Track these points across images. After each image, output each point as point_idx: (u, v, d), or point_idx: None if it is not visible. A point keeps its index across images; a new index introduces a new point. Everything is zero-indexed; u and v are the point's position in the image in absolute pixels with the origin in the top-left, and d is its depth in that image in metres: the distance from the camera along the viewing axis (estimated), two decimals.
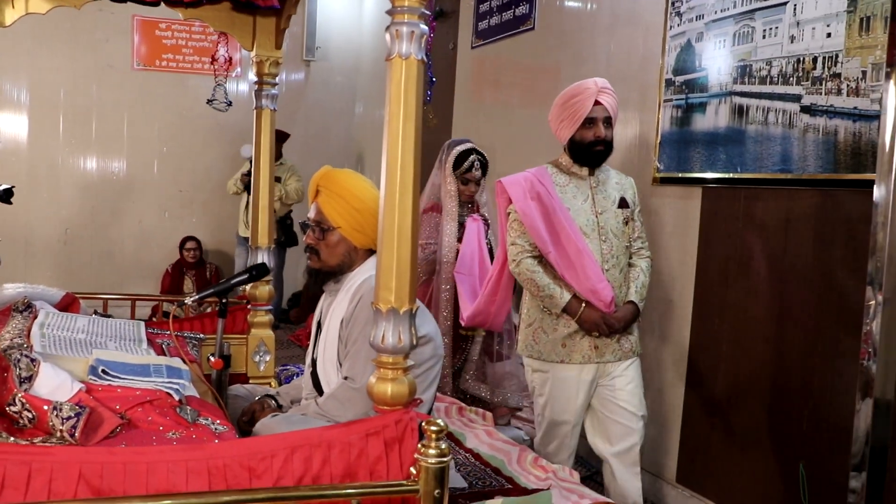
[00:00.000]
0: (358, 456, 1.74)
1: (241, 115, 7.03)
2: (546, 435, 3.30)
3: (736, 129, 3.54)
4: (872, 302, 1.63)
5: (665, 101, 3.96)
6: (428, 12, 1.75)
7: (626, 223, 3.22)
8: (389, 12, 1.76)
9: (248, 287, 3.27)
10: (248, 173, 6.65)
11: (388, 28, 1.76)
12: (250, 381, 3.19)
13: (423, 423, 1.49)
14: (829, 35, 3.10)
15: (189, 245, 7.71)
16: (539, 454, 3.01)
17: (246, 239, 6.71)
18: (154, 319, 4.39)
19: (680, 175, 3.84)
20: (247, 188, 6.72)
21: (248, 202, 6.88)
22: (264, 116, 3.20)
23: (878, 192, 1.65)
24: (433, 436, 1.47)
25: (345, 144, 8.52)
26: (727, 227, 3.56)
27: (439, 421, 1.49)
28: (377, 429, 1.76)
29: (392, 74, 1.76)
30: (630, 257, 3.27)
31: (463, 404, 3.40)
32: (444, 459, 1.48)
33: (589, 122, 3.12)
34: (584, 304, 3.09)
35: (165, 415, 1.99)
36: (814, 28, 3.18)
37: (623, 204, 3.22)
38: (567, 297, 3.10)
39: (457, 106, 6.37)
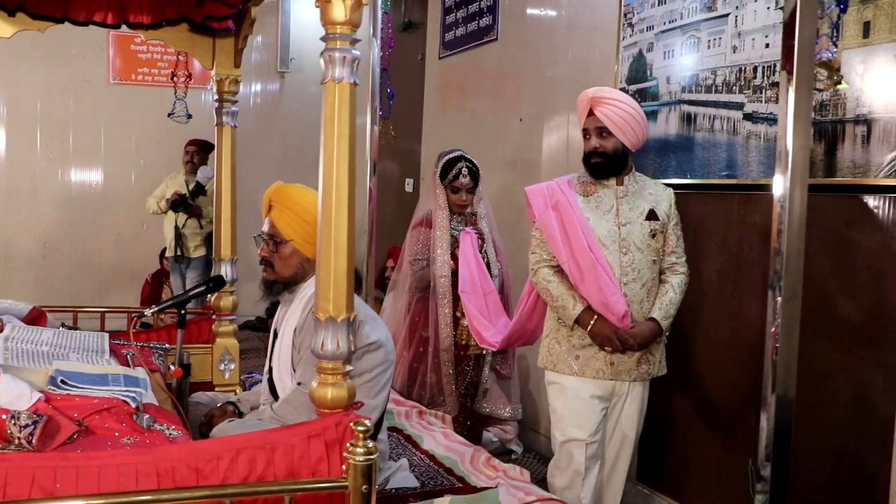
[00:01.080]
0: (300, 457, 1.85)
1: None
2: (558, 457, 3.18)
3: (685, 137, 3.67)
4: (779, 299, 1.75)
5: None
6: (359, 38, 1.86)
7: (654, 236, 3.07)
8: (323, 38, 1.87)
9: (212, 298, 3.38)
10: (182, 195, 6.54)
11: (321, 53, 1.88)
12: (216, 389, 3.30)
13: (352, 424, 1.60)
14: (767, 45, 3.23)
15: (169, 254, 7.80)
16: (551, 486, 3.15)
17: (177, 258, 6.74)
18: (135, 329, 4.47)
19: None
20: (173, 207, 6.56)
21: (179, 223, 6.72)
22: (225, 133, 3.31)
23: (777, 196, 1.76)
24: (360, 435, 1.58)
25: (319, 155, 8.60)
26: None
27: (366, 422, 1.60)
28: (318, 431, 1.87)
29: (326, 97, 1.87)
30: (662, 273, 3.14)
31: (423, 408, 3.51)
32: (372, 457, 1.59)
33: (584, 133, 3.10)
34: (595, 317, 2.99)
35: (122, 421, 2.10)
36: (753, 39, 3.31)
37: (652, 216, 3.08)
38: (580, 308, 3.01)
39: (426, 114, 6.50)
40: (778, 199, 1.73)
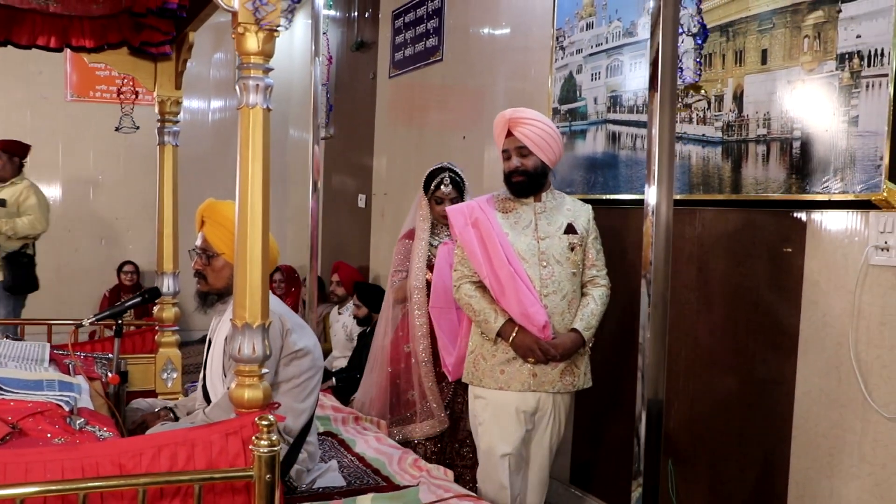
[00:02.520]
0: (219, 453, 2.00)
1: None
2: (483, 469, 3.22)
3: (610, 154, 3.87)
4: (649, 310, 1.92)
5: None
6: (271, 67, 2.03)
7: (573, 249, 3.13)
8: (238, 67, 2.04)
9: (156, 309, 3.53)
10: None
11: (237, 81, 2.04)
12: (158, 397, 3.43)
13: (256, 418, 1.75)
14: (681, 70, 3.43)
15: (127, 268, 7.91)
16: (481, 493, 3.17)
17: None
18: (96, 339, 4.59)
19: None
20: None
21: None
22: (167, 151, 3.46)
23: (648, 205, 1.91)
24: (265, 429, 1.74)
25: (279, 170, 8.76)
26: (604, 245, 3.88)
27: (270, 417, 1.75)
28: (236, 429, 2.02)
29: (242, 122, 2.03)
30: (584, 286, 3.20)
31: (360, 414, 3.67)
32: (275, 449, 1.75)
33: (504, 154, 3.17)
34: (517, 329, 3.02)
35: (55, 423, 2.23)
36: (700, 65, 3.50)
37: (570, 230, 3.15)
38: (501, 320, 3.05)
39: (377, 131, 6.67)
40: (650, 212, 1.87)
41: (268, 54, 2.03)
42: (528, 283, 3.04)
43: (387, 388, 3.95)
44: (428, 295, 3.84)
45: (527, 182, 3.14)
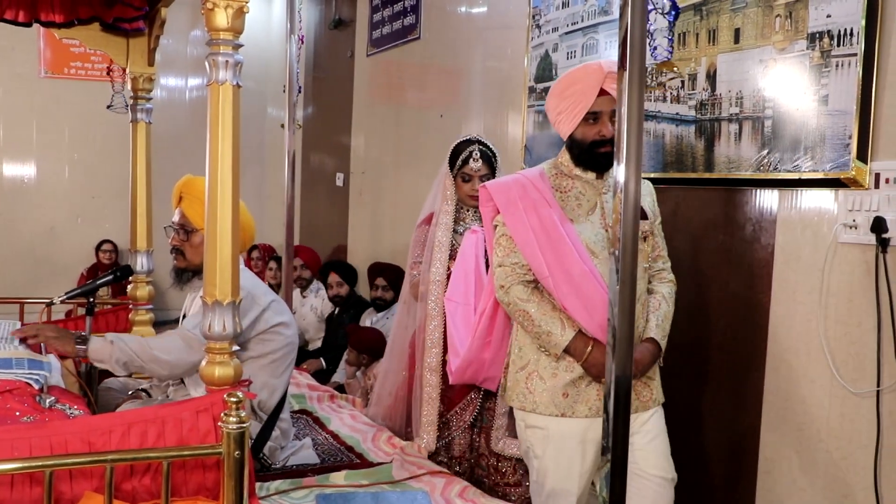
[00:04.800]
0: (190, 429, 2.01)
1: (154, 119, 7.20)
2: None
3: None
4: (617, 287, 1.93)
5: (529, 106, 4.28)
6: (241, 43, 2.02)
7: (645, 239, 2.56)
8: (207, 44, 2.03)
9: (129, 288, 3.52)
10: None
11: (206, 57, 2.03)
12: (133, 376, 3.42)
13: (225, 395, 1.76)
14: (656, 48, 3.43)
15: (105, 247, 7.87)
16: None
17: None
18: (70, 317, 4.56)
19: None
20: None
21: None
22: (140, 129, 3.44)
23: (617, 182, 1.91)
24: (233, 406, 1.74)
25: (256, 149, 8.71)
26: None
27: (239, 394, 1.76)
28: (206, 406, 2.03)
29: (211, 98, 2.03)
30: (649, 282, 2.64)
31: (336, 392, 3.68)
32: (244, 425, 1.75)
33: (592, 116, 2.47)
34: (592, 344, 2.42)
35: (24, 402, 2.23)
36: (658, 42, 3.51)
37: (640, 215, 2.39)
38: (570, 334, 2.43)
39: (355, 110, 6.65)
40: (619, 189, 1.88)
41: (237, 30, 2.02)
42: (603, 285, 2.39)
43: (405, 397, 3.38)
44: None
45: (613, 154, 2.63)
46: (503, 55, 4.57)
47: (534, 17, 4.25)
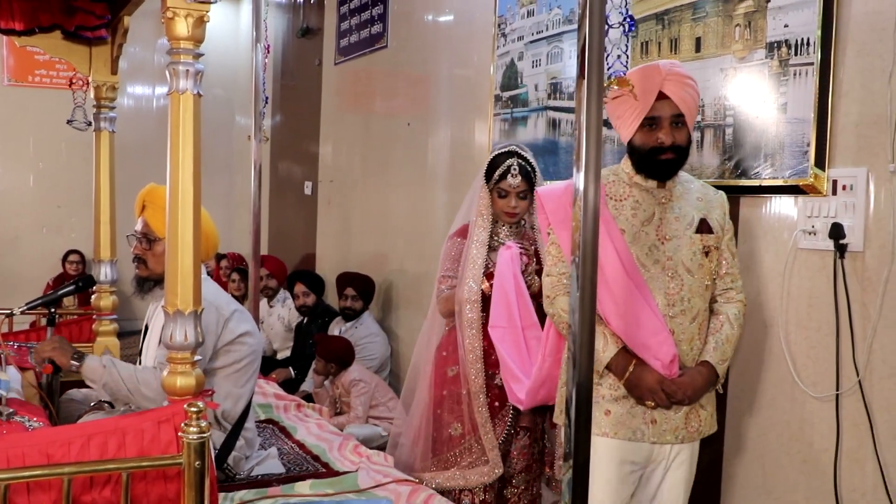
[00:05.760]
0: (151, 440, 1.99)
1: (121, 128, 7.15)
2: None
3: (551, 141, 3.90)
4: (578, 294, 1.94)
5: (495, 114, 4.30)
6: (202, 52, 2.01)
7: (707, 254, 2.41)
8: (168, 52, 2.02)
9: (93, 298, 3.49)
10: None
11: (167, 66, 2.02)
12: None
13: (186, 405, 1.75)
14: (619, 57, 3.47)
15: (72, 258, 7.78)
16: None
17: None
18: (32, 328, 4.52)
19: None
20: None
21: None
22: (103, 138, 3.42)
23: (577, 190, 1.92)
24: (194, 416, 1.74)
25: (225, 157, 8.66)
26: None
27: (200, 404, 1.75)
28: (168, 416, 2.02)
29: (172, 108, 2.02)
30: (713, 300, 2.48)
31: (303, 401, 3.67)
32: (204, 435, 1.75)
33: (650, 122, 2.35)
34: (634, 362, 2.31)
35: None
36: (616, 54, 3.54)
37: (704, 228, 2.42)
38: (612, 350, 2.32)
39: (323, 118, 6.64)
40: (578, 196, 1.88)
41: (198, 39, 2.01)
42: (651, 301, 2.32)
43: (429, 421, 3.20)
44: (484, 310, 3.09)
45: (678, 162, 2.41)
46: (469, 63, 4.59)
47: (499, 25, 4.27)
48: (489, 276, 3.10)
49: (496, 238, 3.19)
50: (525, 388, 2.85)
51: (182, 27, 1.98)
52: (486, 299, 3.08)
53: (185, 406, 1.74)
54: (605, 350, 2.33)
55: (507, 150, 3.20)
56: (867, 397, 2.46)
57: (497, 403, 3.09)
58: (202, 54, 2.03)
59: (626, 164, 2.47)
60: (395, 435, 3.41)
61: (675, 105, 2.31)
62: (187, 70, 2.00)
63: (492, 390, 3.09)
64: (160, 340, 2.74)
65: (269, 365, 5.55)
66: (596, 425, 2.27)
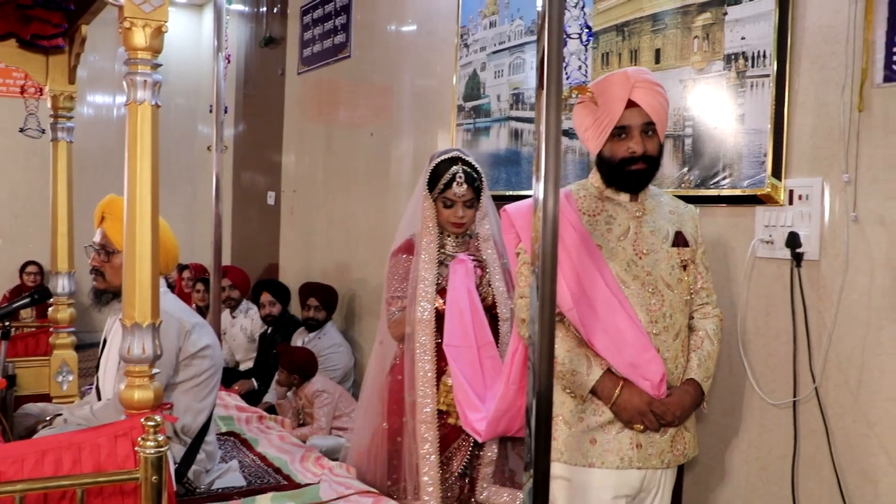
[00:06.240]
0: (107, 456, 1.96)
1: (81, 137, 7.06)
2: None
3: (513, 151, 3.92)
4: (538, 303, 1.95)
5: (458, 124, 4.31)
6: (160, 63, 1.99)
7: (685, 268, 2.32)
8: (126, 62, 2.00)
9: (50, 310, 3.43)
10: None
11: (124, 76, 2.00)
12: (53, 401, 3.34)
13: (142, 419, 1.73)
14: (579, 67, 3.50)
15: (30, 269, 7.68)
16: None
17: None
18: None
19: None
20: None
21: None
22: (60, 148, 3.37)
23: (537, 200, 1.93)
24: (151, 430, 1.72)
25: (188, 167, 8.60)
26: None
27: (157, 417, 1.73)
28: (125, 430, 1.99)
29: (130, 118, 2.00)
30: (690, 317, 2.38)
31: (265, 413, 3.64)
32: (162, 449, 1.73)
33: (620, 131, 2.25)
34: (621, 384, 2.19)
35: None
36: (574, 64, 3.57)
37: (680, 241, 2.33)
38: (597, 373, 2.20)
39: (286, 127, 6.63)
40: (538, 206, 1.89)
41: (156, 50, 2.00)
42: (635, 318, 2.22)
43: (384, 448, 3.01)
44: (438, 329, 2.90)
45: (649, 172, 2.30)
46: (432, 74, 4.60)
47: (462, 36, 4.29)
48: (441, 292, 2.93)
49: (443, 251, 3.01)
50: (484, 418, 2.67)
51: (140, 37, 1.96)
52: (439, 317, 2.89)
53: (141, 420, 1.72)
54: (589, 373, 2.20)
55: (449, 156, 2.97)
56: (823, 404, 2.49)
57: (445, 423, 2.89)
58: (160, 65, 2.01)
59: (594, 178, 2.37)
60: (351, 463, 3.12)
61: (646, 113, 2.23)
62: (145, 80, 1.98)
63: (444, 420, 2.89)
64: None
65: (231, 376, 5.50)
66: (582, 456, 2.23)
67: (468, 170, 2.94)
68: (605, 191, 2.34)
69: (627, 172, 2.26)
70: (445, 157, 2.98)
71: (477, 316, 2.85)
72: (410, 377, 2.90)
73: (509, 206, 2.39)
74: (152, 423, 1.71)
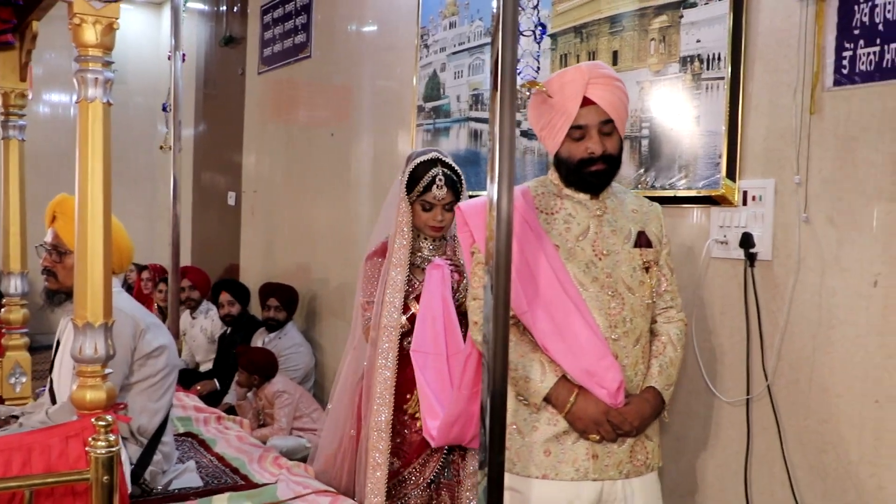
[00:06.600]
0: (59, 456, 1.94)
1: (36, 136, 6.95)
2: None
3: (473, 152, 3.93)
4: (492, 302, 1.96)
5: (418, 125, 4.31)
6: (111, 60, 1.97)
7: (648, 270, 2.23)
8: (76, 59, 1.98)
9: (2, 311, 3.39)
10: None
11: (75, 74, 1.98)
12: (6, 403, 3.29)
13: (93, 419, 1.71)
14: (538, 69, 3.52)
15: None
16: None
17: None
18: None
19: None
20: None
21: None
22: (12, 146, 3.33)
23: (491, 199, 1.94)
24: (102, 430, 1.70)
25: (148, 167, 8.50)
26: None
27: (108, 417, 1.71)
28: (77, 431, 1.97)
29: (81, 116, 1.98)
30: (654, 320, 2.30)
31: (223, 414, 3.61)
32: (113, 450, 1.71)
33: (577, 131, 2.15)
34: (576, 393, 2.10)
35: None
36: (527, 62, 3.60)
37: (643, 241, 2.24)
38: (551, 380, 2.11)
39: (246, 127, 6.58)
40: (492, 206, 1.90)
41: (107, 47, 1.98)
42: (592, 323, 2.12)
43: (350, 454, 2.98)
44: (403, 336, 2.83)
45: (610, 172, 2.21)
46: (392, 74, 4.60)
47: (422, 36, 4.29)
48: (419, 297, 2.83)
49: (419, 254, 2.93)
50: (436, 425, 2.58)
51: (90, 34, 1.94)
52: (408, 322, 2.83)
53: (92, 420, 1.70)
54: (543, 380, 2.10)
55: (429, 157, 2.87)
56: (775, 401, 2.53)
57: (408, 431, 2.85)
58: (112, 62, 1.99)
59: (554, 176, 2.28)
60: (318, 469, 3.09)
61: (603, 111, 2.12)
62: (96, 78, 1.96)
63: (400, 429, 2.84)
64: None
65: (191, 377, 5.46)
66: (535, 467, 2.13)
67: (448, 172, 2.85)
68: (565, 189, 2.25)
69: (587, 174, 2.17)
70: (424, 158, 2.88)
71: (450, 323, 2.76)
72: (369, 383, 2.84)
73: (462, 204, 2.34)
74: (103, 423, 1.69)
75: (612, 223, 2.22)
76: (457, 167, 2.92)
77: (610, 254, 2.18)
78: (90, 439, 1.71)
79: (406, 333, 2.83)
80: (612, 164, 2.19)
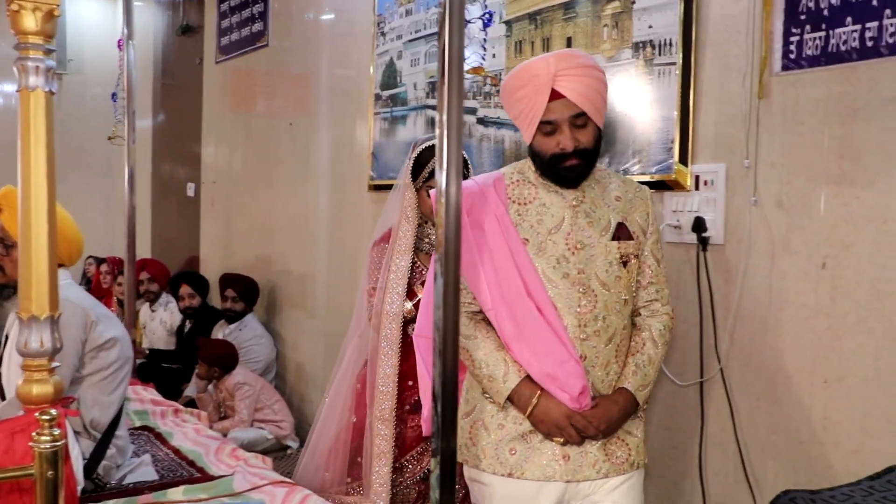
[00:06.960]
0: (5, 452, 1.91)
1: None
2: None
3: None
4: (443, 291, 1.96)
5: (375, 113, 4.30)
6: (53, 48, 1.94)
7: (626, 264, 2.09)
8: (16, 47, 1.94)
9: None
10: None
11: (15, 62, 1.94)
12: None
13: (37, 414, 1.68)
14: (494, 56, 3.52)
15: None
16: None
17: None
18: None
19: (389, 182, 4.18)
20: None
21: None
22: None
23: (440, 187, 1.92)
24: (46, 424, 1.67)
25: (105, 160, 8.37)
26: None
27: (53, 411, 1.69)
28: (23, 426, 1.93)
29: (22, 106, 1.94)
30: (635, 314, 2.17)
31: (181, 406, 3.58)
32: (58, 444, 1.68)
33: (547, 126, 2.02)
34: (539, 394, 2.01)
35: None
36: (485, 50, 3.59)
37: (622, 233, 2.10)
38: (514, 380, 2.02)
39: (205, 117, 6.52)
40: (441, 195, 1.89)
41: (48, 34, 1.93)
42: (557, 323, 2.02)
43: (347, 443, 2.97)
44: (406, 324, 2.81)
45: (586, 167, 2.08)
46: (350, 62, 4.58)
47: (378, 24, 4.27)
48: (423, 283, 2.76)
49: (426, 240, 2.89)
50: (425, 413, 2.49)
51: (30, 21, 1.90)
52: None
53: (36, 414, 1.68)
54: (505, 380, 2.02)
55: (434, 143, 2.72)
56: (728, 384, 2.56)
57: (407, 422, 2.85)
58: (53, 50, 1.95)
59: (530, 164, 2.15)
60: (306, 466, 3.07)
61: (574, 104, 1.99)
62: (37, 66, 1.92)
63: (403, 415, 2.84)
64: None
65: (153, 370, 5.40)
66: (501, 465, 2.06)
67: None
68: (541, 179, 2.12)
69: (560, 169, 2.04)
70: (429, 143, 2.82)
71: None
72: (373, 370, 2.80)
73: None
74: (47, 417, 1.66)
75: (589, 214, 2.08)
76: (463, 152, 2.82)
77: (584, 247, 2.05)
78: (34, 434, 1.68)
79: (412, 320, 2.76)
80: (587, 157, 2.05)
